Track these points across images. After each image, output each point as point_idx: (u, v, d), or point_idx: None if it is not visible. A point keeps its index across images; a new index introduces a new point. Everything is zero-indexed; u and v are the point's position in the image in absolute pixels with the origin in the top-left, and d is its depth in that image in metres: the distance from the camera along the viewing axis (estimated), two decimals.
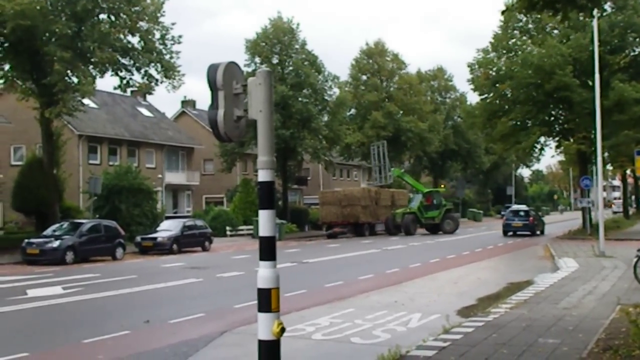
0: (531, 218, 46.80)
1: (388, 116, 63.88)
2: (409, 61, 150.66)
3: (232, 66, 5.92)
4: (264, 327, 5.76)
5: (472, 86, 43.36)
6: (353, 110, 66.85)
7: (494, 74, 42.12)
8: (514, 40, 42.95)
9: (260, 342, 5.81)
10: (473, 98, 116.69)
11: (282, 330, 5.74)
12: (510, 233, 45.85)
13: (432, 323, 12.25)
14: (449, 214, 51.67)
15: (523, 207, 54.42)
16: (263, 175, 5.83)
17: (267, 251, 5.81)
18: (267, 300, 5.73)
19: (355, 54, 71.33)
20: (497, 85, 41.74)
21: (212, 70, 5.82)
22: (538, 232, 46.65)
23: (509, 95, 42.25)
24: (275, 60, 53.29)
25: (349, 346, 10.59)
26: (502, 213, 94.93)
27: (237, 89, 5.88)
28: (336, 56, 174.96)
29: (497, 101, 42.96)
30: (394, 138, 64.40)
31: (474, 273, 22.24)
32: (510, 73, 40.49)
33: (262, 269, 5.84)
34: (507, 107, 42.43)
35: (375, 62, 67.44)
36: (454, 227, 51.01)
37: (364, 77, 67.67)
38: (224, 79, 5.78)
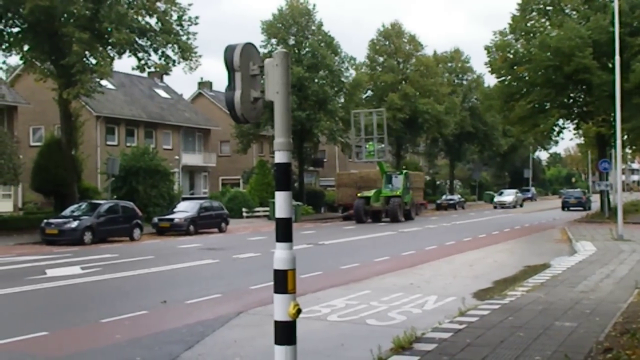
0: (583, 197, 61.78)
1: (404, 98, 63.59)
2: (431, 42, 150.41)
3: (249, 47, 5.90)
4: (280, 308, 5.77)
5: (489, 69, 43.06)
6: (369, 92, 66.64)
7: (511, 56, 41.78)
8: (532, 22, 42.54)
9: (276, 322, 5.83)
10: (491, 80, 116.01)
11: (298, 311, 5.75)
12: (567, 209, 60.24)
13: (448, 305, 12.26)
14: (414, 199, 49.17)
15: (577, 190, 71.23)
16: (279, 157, 5.82)
17: (284, 233, 5.81)
18: (283, 282, 5.74)
19: (372, 35, 70.96)
20: (515, 67, 41.39)
21: (229, 51, 5.80)
22: (588, 208, 57.68)
23: (526, 78, 41.90)
24: (291, 42, 53.14)
25: (365, 328, 10.61)
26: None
27: (254, 70, 5.86)
28: (354, 36, 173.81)
29: (515, 83, 42.62)
30: (411, 120, 64.17)
31: (490, 256, 22.20)
32: (529, 55, 40.13)
33: (278, 251, 5.84)
34: (525, 89, 42.09)
35: (392, 43, 67.05)
36: (415, 213, 47.84)
37: (381, 59, 67.32)
38: (241, 60, 5.76)
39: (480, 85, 71.32)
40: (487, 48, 43.06)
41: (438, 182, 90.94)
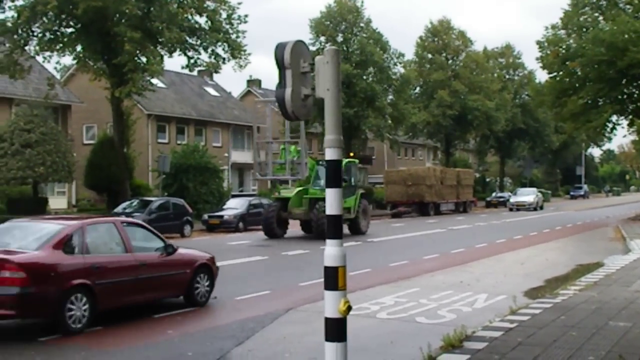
0: None
1: (454, 95, 63.05)
2: (482, 37, 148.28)
3: (299, 45, 5.93)
4: (330, 305, 5.79)
5: (541, 64, 42.41)
6: (418, 89, 66.25)
7: (563, 51, 41.08)
8: (584, 17, 41.75)
9: (327, 319, 5.85)
10: (542, 76, 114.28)
11: (349, 308, 5.77)
12: None
13: (498, 304, 12.13)
14: (363, 202, 31.24)
15: None
16: (330, 154, 5.83)
17: (334, 230, 5.83)
18: (333, 279, 5.76)
19: (421, 30, 70.49)
20: (567, 63, 40.66)
21: (279, 49, 5.84)
22: None
23: (579, 73, 41.14)
24: (340, 39, 53.08)
25: (414, 325, 10.58)
26: (572, 193, 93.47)
27: (304, 68, 5.89)
28: (404, 31, 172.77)
29: (567, 79, 41.84)
30: (460, 117, 63.63)
31: (541, 254, 21.88)
32: (581, 50, 39.35)
33: (328, 247, 5.86)
34: (577, 85, 41.30)
35: (441, 40, 66.52)
36: (366, 224, 31.22)
37: (430, 56, 66.86)
38: (292, 58, 5.79)
39: (531, 81, 70.15)
40: (538, 43, 42.41)
41: (488, 180, 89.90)
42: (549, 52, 41.51)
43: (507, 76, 79.50)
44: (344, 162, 28.02)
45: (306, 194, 29.90)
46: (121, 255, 11.40)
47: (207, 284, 12.84)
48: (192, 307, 12.31)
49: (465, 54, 67.40)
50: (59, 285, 10.06)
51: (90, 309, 10.40)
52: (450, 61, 67.07)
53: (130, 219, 16.16)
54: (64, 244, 10.49)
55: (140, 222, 13.93)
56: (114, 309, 11.17)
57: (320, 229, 26.61)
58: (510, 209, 56.70)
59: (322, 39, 52.99)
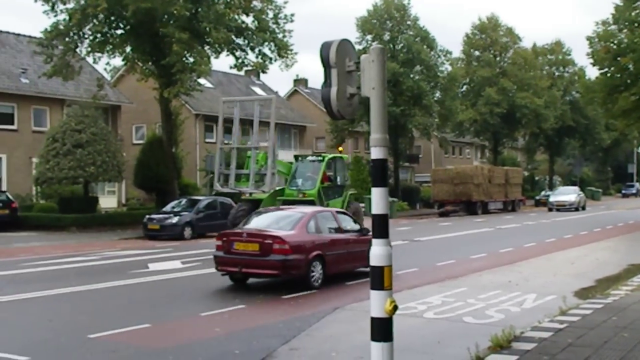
0: None
1: (502, 92, 62.36)
2: (531, 32, 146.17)
3: (345, 43, 5.93)
4: (376, 304, 5.77)
5: (591, 60, 41.64)
6: (465, 87, 65.70)
7: (615, 47, 40.28)
8: (637, 11, 40.86)
9: (373, 319, 5.84)
10: (592, 72, 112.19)
11: (395, 308, 5.74)
12: None
13: (547, 304, 11.96)
14: (353, 204, 27.90)
15: None
16: (376, 153, 5.81)
17: (380, 229, 5.81)
18: (379, 278, 5.74)
19: (467, 29, 69.97)
20: (619, 58, 39.86)
21: (325, 48, 5.84)
22: None
23: (631, 69, 40.29)
24: (386, 37, 52.94)
25: (462, 325, 10.49)
26: (624, 191, 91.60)
27: (350, 67, 5.88)
28: (452, 27, 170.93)
29: (619, 75, 41.03)
30: (508, 114, 62.91)
31: (592, 253, 21.49)
32: (633, 46, 38.55)
33: (375, 247, 5.84)
34: (629, 81, 40.43)
35: (488, 37, 65.86)
36: None
37: (477, 53, 66.25)
38: (337, 57, 5.80)
39: (581, 78, 69.00)
40: (589, 39, 41.69)
41: (537, 178, 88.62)
42: (599, 47, 40.76)
43: (557, 73, 78.24)
44: (326, 158, 27.20)
45: (281, 195, 25.73)
46: (338, 234, 15.73)
47: (322, 270, 15.15)
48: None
49: (514, 51, 66.61)
50: (306, 254, 14.27)
51: (323, 273, 14.60)
52: (497, 58, 66.35)
53: (341, 210, 19.71)
54: (306, 226, 14.85)
55: (346, 212, 18.60)
56: (335, 274, 15.13)
57: None
58: (550, 209, 53.06)
59: (369, 37, 52.90)
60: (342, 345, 9.36)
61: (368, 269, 13.69)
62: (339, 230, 15.81)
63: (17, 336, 10.15)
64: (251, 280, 15.32)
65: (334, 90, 5.80)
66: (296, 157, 28.21)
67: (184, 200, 31.50)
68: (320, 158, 27.48)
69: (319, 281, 14.47)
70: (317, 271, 14.50)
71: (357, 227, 16.42)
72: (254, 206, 24.41)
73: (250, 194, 27.02)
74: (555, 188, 63.83)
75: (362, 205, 37.02)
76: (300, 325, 10.63)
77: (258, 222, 15.46)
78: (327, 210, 17.32)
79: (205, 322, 11.14)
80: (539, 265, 18.58)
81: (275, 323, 10.91)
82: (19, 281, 15.85)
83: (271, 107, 27.17)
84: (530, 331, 9.18)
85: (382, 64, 5.65)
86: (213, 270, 17.69)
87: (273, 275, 14.23)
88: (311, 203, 23.78)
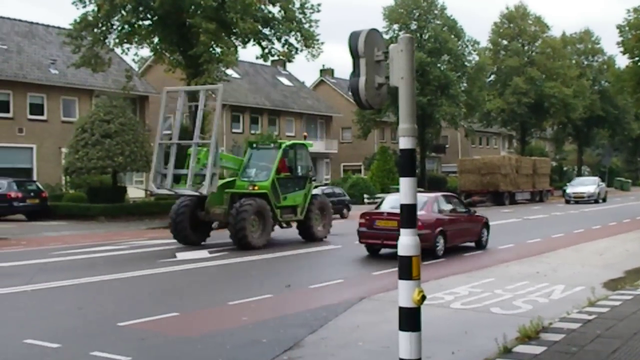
0: None
1: (530, 82, 61.86)
2: (560, 21, 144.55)
3: (373, 33, 5.91)
4: (404, 294, 5.77)
5: (621, 49, 41.14)
6: (493, 76, 65.25)
7: None
8: None
9: (401, 309, 5.84)
10: (622, 61, 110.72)
11: (423, 298, 5.74)
12: None
13: (576, 295, 11.87)
14: (319, 198, 24.17)
15: None
16: (404, 143, 5.80)
17: (408, 219, 5.81)
18: (407, 268, 5.74)
19: (495, 18, 69.40)
20: None
21: (353, 37, 5.83)
22: None
23: None
24: (413, 27, 52.75)
25: (489, 316, 10.45)
26: None
27: (378, 56, 5.87)
28: (480, 15, 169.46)
29: None
30: (536, 104, 62.41)
31: (621, 245, 21.25)
32: None
33: (403, 237, 5.84)
34: None
35: (517, 26, 65.30)
36: (325, 227, 23.83)
37: (505, 42, 65.74)
38: (366, 46, 5.78)
39: (611, 67, 68.16)
40: (619, 27, 41.20)
41: (565, 168, 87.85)
42: (630, 36, 40.24)
43: (586, 62, 77.39)
44: (283, 145, 23.03)
45: (232, 187, 22.27)
46: (453, 214, 19.39)
47: (486, 235, 20.54)
48: (480, 250, 19.77)
49: (542, 40, 66.02)
50: (433, 230, 17.67)
51: (444, 245, 17.96)
52: (526, 47, 65.76)
53: (451, 193, 23.55)
54: (432, 207, 18.45)
55: (456, 195, 23.39)
56: (451, 247, 18.56)
57: (240, 235, 19.90)
58: (567, 201, 49.22)
59: (396, 26, 52.75)
60: (369, 335, 9.37)
61: (473, 244, 20.01)
62: (453, 210, 19.52)
63: (48, 324, 10.30)
64: (276, 267, 15.35)
65: (362, 80, 5.79)
66: (250, 143, 24.43)
67: None
68: (276, 145, 23.44)
69: (442, 251, 17.87)
70: (441, 243, 17.91)
71: (465, 208, 20.36)
72: (198, 201, 21.48)
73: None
74: (572, 179, 59.95)
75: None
76: (326, 314, 10.65)
77: (391, 204, 18.48)
78: (445, 194, 21.17)
79: (232, 311, 11.21)
80: (567, 256, 18.42)
81: (301, 312, 10.94)
82: (49, 270, 16.06)
83: (217, 97, 22.56)
84: (558, 322, 9.12)
85: (411, 53, 5.63)
86: (240, 259, 17.86)
87: None
88: (263, 197, 21.02)
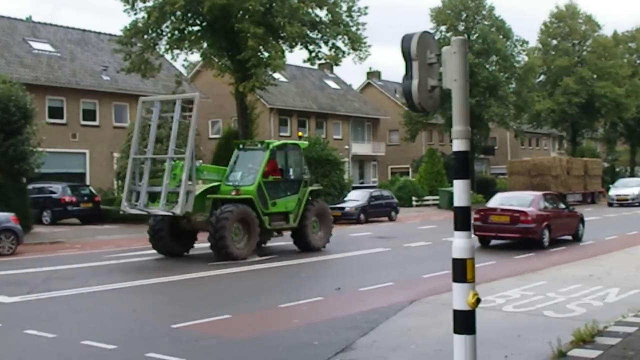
0: None
1: (580, 82, 60.86)
2: (611, 20, 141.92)
3: (426, 36, 5.91)
4: (458, 297, 5.75)
5: None
6: (542, 77, 64.37)
7: None
8: None
9: (455, 312, 5.82)
10: None
11: (478, 300, 5.72)
12: None
13: (631, 298, 11.65)
14: (317, 203, 21.51)
15: None
16: (458, 145, 5.77)
17: (462, 221, 5.78)
18: (462, 271, 5.71)
19: (544, 18, 68.55)
20: None
21: (406, 40, 5.83)
22: None
23: None
24: (460, 28, 52.37)
25: (542, 319, 10.32)
26: None
27: (431, 59, 5.87)
28: (528, 15, 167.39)
29: None
30: (587, 104, 61.35)
31: None
32: None
33: (457, 239, 5.81)
34: None
35: (567, 25, 64.32)
36: (323, 235, 21.45)
37: (554, 42, 64.81)
38: (418, 49, 5.78)
39: None
40: None
41: (617, 169, 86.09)
42: None
43: (638, 61, 75.66)
44: (270, 145, 20.64)
45: (215, 193, 20.14)
46: (556, 210, 22.23)
47: (582, 229, 23.14)
48: (577, 242, 22.35)
49: (593, 39, 64.88)
50: (540, 223, 20.60)
51: (549, 237, 20.89)
52: (576, 47, 64.73)
53: (552, 192, 27.96)
54: (538, 204, 21.44)
55: (556, 194, 28.23)
56: (555, 238, 21.39)
57: (220, 245, 18.07)
58: (610, 204, 46.58)
59: (443, 28, 52.48)
60: (421, 337, 9.34)
61: (570, 237, 22.86)
62: (555, 207, 22.33)
63: (104, 325, 10.51)
64: (326, 270, 15.37)
65: (415, 82, 5.79)
66: (236, 144, 22.33)
67: None
68: (264, 146, 20.81)
69: (547, 243, 20.65)
70: (546, 235, 20.62)
71: (564, 205, 23.39)
72: (174, 217, 18.89)
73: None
74: (615, 181, 56.49)
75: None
76: (377, 317, 10.65)
77: (500, 201, 22.33)
78: (547, 193, 24.42)
79: (284, 314, 11.29)
80: (621, 258, 18.08)
81: (352, 315, 10.96)
82: (103, 272, 16.38)
83: (194, 107, 20.20)
84: (614, 326, 8.98)
85: (464, 55, 5.61)
86: (290, 262, 17.96)
87: (518, 238, 20.78)
88: (247, 202, 18.98)
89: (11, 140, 25.23)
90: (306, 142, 25.65)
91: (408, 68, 5.84)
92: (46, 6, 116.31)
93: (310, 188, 21.16)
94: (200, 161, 23.72)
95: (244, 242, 18.57)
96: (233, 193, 19.29)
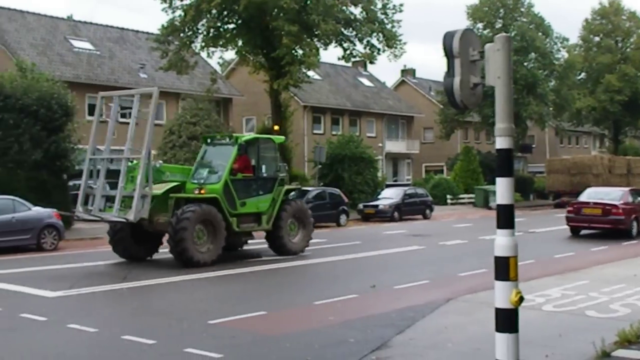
0: None
1: (623, 79, 59.90)
2: None
3: (468, 33, 5.85)
4: (501, 295, 5.68)
5: None
6: (583, 74, 63.49)
7: None
8: None
9: (498, 310, 5.75)
10: None
11: (521, 299, 5.65)
12: None
13: None
14: (294, 204, 19.87)
15: None
16: (501, 143, 5.71)
17: (505, 219, 5.70)
18: (504, 269, 5.64)
19: (585, 15, 67.66)
20: None
21: (448, 37, 5.78)
22: None
23: None
24: (498, 25, 51.92)
25: (584, 319, 10.15)
26: None
27: (473, 56, 5.80)
28: (568, 12, 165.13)
29: None
30: (631, 102, 60.40)
31: None
32: None
33: (499, 237, 5.74)
34: None
35: (610, 22, 63.35)
36: (303, 239, 19.61)
37: (596, 39, 63.88)
38: (461, 46, 5.72)
39: None
40: None
41: None
42: None
43: None
44: (239, 140, 18.63)
45: (180, 192, 18.10)
46: (639, 204, 24.39)
47: (637, 226, 23.71)
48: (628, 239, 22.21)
49: (637, 36, 63.83)
50: (629, 216, 23.09)
51: (637, 228, 23.49)
52: (619, 44, 63.72)
53: (637, 188, 29.05)
54: (627, 198, 23.79)
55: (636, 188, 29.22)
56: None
57: (180, 248, 16.40)
58: None
59: (480, 25, 52.08)
60: (458, 336, 9.25)
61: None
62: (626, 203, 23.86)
63: (143, 321, 10.61)
64: (361, 267, 15.27)
65: (457, 80, 5.73)
66: (205, 138, 20.42)
67: (293, 191, 31.80)
68: (232, 140, 18.83)
69: (636, 233, 23.07)
70: (634, 227, 23.15)
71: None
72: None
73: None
74: None
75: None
76: (413, 315, 10.58)
77: (590, 195, 24.74)
78: (633, 189, 26.76)
79: (319, 311, 11.28)
80: None
81: (388, 313, 10.90)
82: (141, 268, 16.50)
83: (151, 102, 17.95)
84: None
85: (508, 52, 5.55)
86: (324, 259, 17.96)
87: (609, 229, 23.02)
88: (212, 202, 17.25)
89: (53, 138, 25.60)
90: (282, 137, 23.47)
91: (450, 65, 5.79)
92: (85, 4, 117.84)
93: (284, 188, 19.15)
94: (161, 162, 22.64)
95: (207, 246, 16.84)
96: (196, 192, 17.52)
